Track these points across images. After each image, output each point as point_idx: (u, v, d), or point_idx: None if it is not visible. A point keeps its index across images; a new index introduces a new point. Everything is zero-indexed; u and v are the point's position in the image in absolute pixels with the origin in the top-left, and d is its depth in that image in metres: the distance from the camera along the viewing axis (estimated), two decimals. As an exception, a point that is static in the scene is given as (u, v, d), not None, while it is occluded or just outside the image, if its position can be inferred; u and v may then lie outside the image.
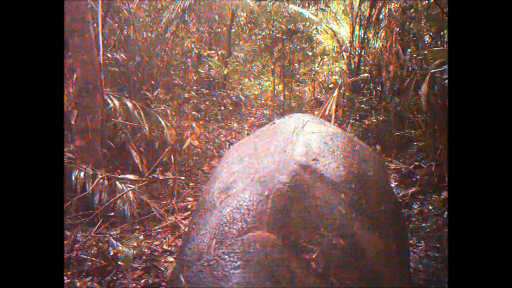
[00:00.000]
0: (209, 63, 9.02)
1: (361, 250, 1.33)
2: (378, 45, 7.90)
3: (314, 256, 1.22)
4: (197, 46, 8.93)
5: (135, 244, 3.60)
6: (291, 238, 1.26)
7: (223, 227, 1.38)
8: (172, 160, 5.34)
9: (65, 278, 2.98)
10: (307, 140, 1.90)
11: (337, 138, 2.02)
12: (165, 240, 3.83)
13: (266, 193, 1.42)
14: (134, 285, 3.06)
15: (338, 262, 1.25)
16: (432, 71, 4.39)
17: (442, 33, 5.22)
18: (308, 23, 9.28)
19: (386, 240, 1.63)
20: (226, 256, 1.22)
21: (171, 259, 3.42)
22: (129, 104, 5.25)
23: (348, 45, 8.46)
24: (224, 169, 1.95)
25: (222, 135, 7.50)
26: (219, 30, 10.38)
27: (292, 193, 1.45)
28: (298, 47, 9.70)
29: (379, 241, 1.55)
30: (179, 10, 7.35)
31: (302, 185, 1.51)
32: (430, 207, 4.28)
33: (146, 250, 3.57)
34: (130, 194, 4.24)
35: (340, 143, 1.97)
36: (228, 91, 10.03)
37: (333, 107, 6.71)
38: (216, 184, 1.79)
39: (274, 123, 2.41)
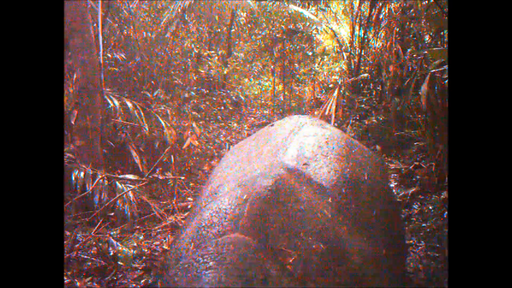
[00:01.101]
0: (209, 63, 9.02)
1: (344, 255, 1.32)
2: (378, 45, 7.90)
3: (291, 261, 1.21)
4: (197, 46, 8.93)
5: (135, 244, 3.60)
6: (269, 241, 1.25)
7: (201, 230, 1.38)
8: (172, 160, 5.34)
9: (65, 278, 2.98)
10: (301, 144, 1.88)
11: (333, 142, 1.99)
12: (165, 240, 3.82)
13: (244, 197, 1.41)
14: (134, 285, 3.05)
15: (317, 267, 1.24)
16: (432, 71, 4.39)
17: (442, 33, 5.22)
18: (308, 23, 9.28)
19: (376, 244, 1.59)
20: (200, 258, 1.22)
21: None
22: (129, 104, 5.25)
23: (348, 45, 8.46)
24: (218, 173, 1.96)
25: (222, 135, 7.50)
26: (219, 30, 10.38)
27: (273, 197, 1.43)
28: (298, 47, 9.70)
29: (367, 245, 1.53)
30: (179, 10, 7.35)
31: (285, 189, 1.49)
32: (430, 207, 4.28)
33: (146, 250, 3.57)
34: (130, 194, 4.24)
35: (335, 147, 1.94)
36: (228, 91, 10.03)
37: (333, 107, 6.70)
38: (208, 188, 1.81)
39: (272, 125, 2.39)
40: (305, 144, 1.88)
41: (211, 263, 1.18)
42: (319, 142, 1.93)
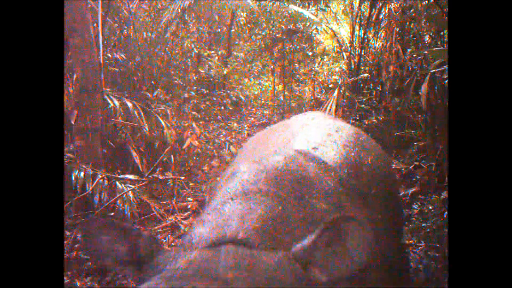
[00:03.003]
0: (209, 63, 9.02)
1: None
2: (378, 45, 7.90)
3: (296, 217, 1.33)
4: (197, 46, 8.92)
5: (135, 244, 3.59)
6: (280, 202, 1.36)
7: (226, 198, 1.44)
8: (172, 160, 5.34)
9: (65, 278, 2.98)
10: (312, 132, 2.02)
11: (343, 131, 2.12)
12: (165, 240, 3.83)
13: (260, 167, 1.56)
14: (134, 285, 3.05)
15: (318, 224, 1.30)
16: (432, 71, 4.39)
17: (442, 33, 5.22)
18: (308, 23, 9.27)
19: (373, 211, 1.72)
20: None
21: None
22: (129, 104, 5.24)
23: (348, 45, 8.45)
24: (236, 160, 2.10)
25: (222, 135, 7.50)
26: (219, 30, 10.38)
27: (284, 167, 1.56)
28: (298, 47, 9.69)
29: (364, 210, 1.65)
30: (179, 10, 7.35)
31: (294, 163, 1.62)
32: (430, 207, 4.28)
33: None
34: (130, 194, 4.24)
35: (344, 135, 2.07)
36: (228, 91, 10.02)
37: (333, 107, 6.71)
38: (227, 172, 1.86)
39: (289, 118, 2.60)
40: (316, 133, 2.02)
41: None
42: (329, 130, 2.07)
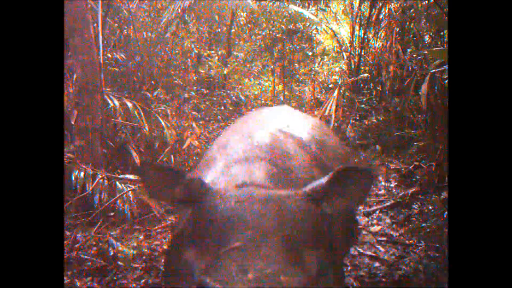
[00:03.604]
0: (209, 63, 9.01)
1: (311, 180, 1.54)
2: (378, 45, 7.91)
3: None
4: (197, 46, 8.92)
5: (135, 244, 3.60)
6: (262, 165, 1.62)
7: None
8: (172, 160, 5.34)
9: (65, 278, 2.98)
10: (283, 117, 2.34)
11: (309, 118, 2.67)
12: (165, 240, 3.83)
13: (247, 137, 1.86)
14: (134, 285, 3.06)
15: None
16: (432, 71, 4.39)
17: (442, 33, 5.22)
18: (308, 23, 9.27)
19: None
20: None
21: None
22: (129, 104, 5.24)
23: (348, 45, 8.47)
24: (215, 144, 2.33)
25: (222, 135, 7.48)
26: (219, 30, 10.37)
27: (271, 141, 1.85)
28: (298, 47, 9.69)
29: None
30: (179, 10, 7.34)
31: (277, 139, 1.90)
32: (430, 207, 4.28)
33: (146, 250, 3.57)
34: (130, 194, 4.23)
35: (311, 120, 2.54)
36: (228, 91, 10.01)
37: (333, 107, 6.71)
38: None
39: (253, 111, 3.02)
40: (287, 118, 2.34)
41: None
42: (298, 115, 2.55)
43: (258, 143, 1.78)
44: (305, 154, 1.92)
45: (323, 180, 1.29)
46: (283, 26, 9.10)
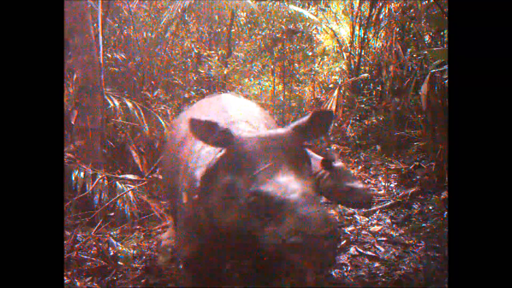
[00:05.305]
0: (209, 63, 9.00)
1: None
2: (378, 45, 7.91)
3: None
4: (197, 46, 8.91)
5: (135, 244, 3.60)
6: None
7: None
8: (172, 160, 5.33)
9: (65, 278, 2.98)
10: (230, 101, 2.71)
11: (253, 103, 3.04)
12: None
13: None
14: (134, 285, 3.05)
15: None
16: (432, 71, 4.39)
17: (442, 33, 5.22)
18: (308, 23, 9.26)
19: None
20: None
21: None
22: (129, 104, 5.25)
23: (348, 45, 8.47)
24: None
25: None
26: (219, 30, 10.36)
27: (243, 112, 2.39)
28: (298, 47, 9.68)
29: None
30: (179, 10, 7.34)
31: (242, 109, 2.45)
32: (430, 207, 4.28)
33: (146, 250, 3.57)
34: (130, 194, 4.23)
35: (256, 106, 2.93)
36: (228, 91, 10.01)
37: (333, 107, 6.71)
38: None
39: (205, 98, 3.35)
40: (234, 99, 2.82)
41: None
42: (246, 105, 2.87)
43: (234, 113, 2.31)
44: (258, 115, 2.55)
45: (304, 119, 1.80)
46: (283, 26, 9.08)
